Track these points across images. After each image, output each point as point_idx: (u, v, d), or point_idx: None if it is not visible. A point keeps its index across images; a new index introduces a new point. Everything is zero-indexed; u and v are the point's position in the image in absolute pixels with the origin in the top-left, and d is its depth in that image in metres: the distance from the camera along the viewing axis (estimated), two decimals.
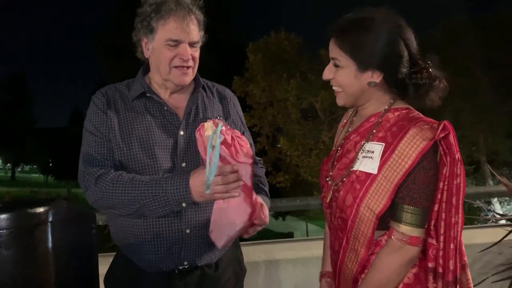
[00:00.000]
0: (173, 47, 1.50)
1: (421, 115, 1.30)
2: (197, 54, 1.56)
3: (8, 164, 55.81)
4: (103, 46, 20.97)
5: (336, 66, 1.33)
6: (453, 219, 1.23)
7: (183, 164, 1.51)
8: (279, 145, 18.29)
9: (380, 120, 1.32)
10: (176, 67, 1.52)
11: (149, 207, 1.40)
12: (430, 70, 1.29)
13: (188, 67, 1.54)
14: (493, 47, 15.12)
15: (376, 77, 1.29)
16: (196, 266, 1.53)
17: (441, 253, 1.25)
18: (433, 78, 1.29)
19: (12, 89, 45.45)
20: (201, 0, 1.58)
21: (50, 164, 47.79)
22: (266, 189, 1.71)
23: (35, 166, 56.60)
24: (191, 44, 1.53)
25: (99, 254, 1.30)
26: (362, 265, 1.29)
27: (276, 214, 26.04)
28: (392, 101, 1.34)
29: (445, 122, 1.21)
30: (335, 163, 1.41)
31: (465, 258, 1.30)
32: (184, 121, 1.56)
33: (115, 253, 1.67)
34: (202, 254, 1.52)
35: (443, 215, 1.24)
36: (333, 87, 1.38)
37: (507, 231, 2.44)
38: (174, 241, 1.48)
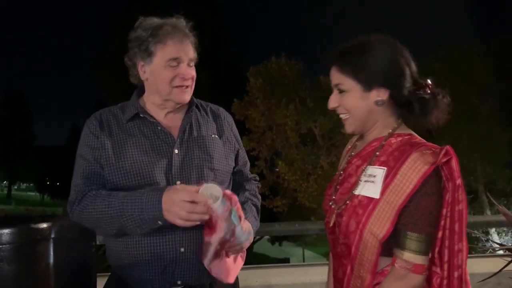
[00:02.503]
0: (173, 67, 1.54)
1: (423, 140, 1.30)
2: (194, 73, 1.60)
3: (5, 182, 55.43)
4: (102, 66, 21.16)
5: (341, 92, 1.34)
6: (456, 246, 1.21)
7: (178, 182, 1.52)
8: (277, 169, 18.24)
9: (384, 143, 1.33)
10: (176, 86, 1.55)
11: (127, 226, 1.40)
12: (431, 85, 1.31)
13: (187, 86, 1.58)
14: (493, 75, 15.24)
15: (383, 94, 1.30)
16: (190, 286, 1.51)
17: (445, 282, 1.23)
18: (437, 93, 1.31)
19: (10, 107, 45.57)
20: (192, 23, 1.63)
21: (47, 183, 47.49)
22: (257, 201, 1.72)
23: (31, 184, 56.24)
24: (189, 63, 1.58)
25: (98, 274, 1.30)
26: None
27: (273, 239, 25.77)
28: (396, 126, 1.35)
29: (447, 147, 1.21)
30: (338, 187, 1.41)
31: None
32: (179, 140, 1.58)
33: (110, 273, 1.66)
34: (196, 274, 1.51)
35: (447, 243, 1.22)
36: (341, 115, 1.38)
37: (506, 261, 2.43)
38: (169, 260, 1.48)
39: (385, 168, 1.26)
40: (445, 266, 1.23)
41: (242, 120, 18.37)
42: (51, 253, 1.02)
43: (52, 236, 1.02)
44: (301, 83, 18.51)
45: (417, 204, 1.20)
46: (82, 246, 1.21)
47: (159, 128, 1.58)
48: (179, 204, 1.32)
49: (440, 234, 1.23)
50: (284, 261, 23.46)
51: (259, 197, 1.76)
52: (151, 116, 1.59)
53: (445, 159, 1.20)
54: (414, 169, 1.20)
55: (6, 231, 0.94)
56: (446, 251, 1.22)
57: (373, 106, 1.32)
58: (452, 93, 1.36)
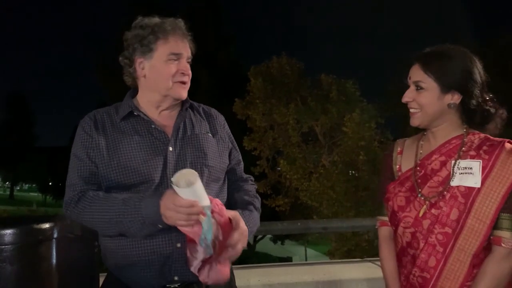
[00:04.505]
0: (175, 61, 1.57)
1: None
2: (190, 71, 1.63)
3: (7, 183, 55.58)
4: (103, 66, 21.19)
5: (418, 88, 1.48)
6: None
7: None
8: (279, 168, 18.24)
9: (465, 140, 1.48)
10: (176, 82, 1.58)
11: (128, 230, 1.42)
12: (495, 100, 1.48)
13: (185, 82, 1.61)
14: (496, 74, 15.17)
15: (456, 99, 1.45)
16: (187, 284, 1.51)
17: None
18: (498, 108, 1.48)
19: (12, 108, 45.69)
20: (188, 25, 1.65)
21: (50, 183, 47.59)
22: (257, 201, 1.71)
23: (34, 185, 56.38)
24: (187, 61, 1.62)
25: (101, 274, 1.30)
26: (468, 274, 1.40)
27: (275, 238, 25.79)
28: (466, 126, 1.50)
29: None
30: (419, 181, 1.52)
31: None
32: (173, 138, 1.59)
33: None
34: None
35: None
36: (411, 109, 1.52)
37: None
38: (166, 256, 1.48)
39: (480, 160, 1.42)
40: None
41: (243, 120, 18.38)
42: (54, 253, 1.02)
43: (55, 236, 1.02)
44: (302, 82, 18.50)
45: None
46: (84, 245, 1.21)
47: (153, 126, 1.59)
48: (173, 208, 1.33)
49: None
50: (287, 260, 23.47)
51: (259, 198, 1.76)
52: (145, 114, 1.61)
53: None
54: None
55: (8, 231, 0.94)
56: None
57: (445, 107, 1.46)
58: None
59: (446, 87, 1.44)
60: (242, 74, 19.66)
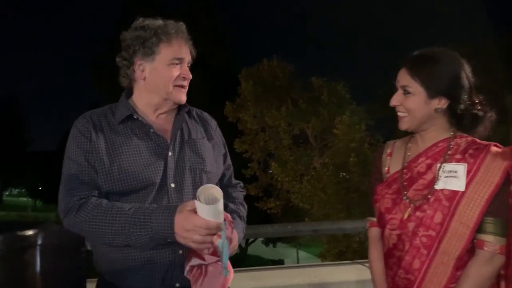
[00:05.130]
0: (177, 65, 1.55)
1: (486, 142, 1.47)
2: (191, 75, 1.62)
3: None
4: (96, 69, 21.04)
5: (406, 93, 1.48)
6: None
7: (172, 185, 1.51)
8: (270, 171, 18.27)
9: (452, 144, 1.48)
10: (176, 85, 1.56)
11: (135, 243, 1.38)
12: (484, 103, 1.47)
13: (184, 86, 1.59)
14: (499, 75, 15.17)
15: (443, 104, 1.45)
16: None
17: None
18: (487, 111, 1.47)
19: (2, 112, 45.18)
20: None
21: (39, 188, 47.09)
22: (243, 210, 1.71)
23: (23, 190, 55.73)
24: (188, 65, 1.60)
25: (88, 280, 1.28)
26: (452, 276, 1.40)
27: (267, 241, 25.78)
28: (454, 129, 1.50)
29: None
30: (405, 183, 1.53)
31: None
32: (172, 143, 1.57)
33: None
34: None
35: None
36: (399, 113, 1.52)
37: None
38: (168, 264, 1.46)
39: (465, 164, 1.42)
40: None
41: (234, 123, 18.39)
42: (38, 260, 0.99)
43: (39, 243, 1.00)
44: (293, 84, 18.57)
45: (501, 194, 1.36)
46: (71, 252, 1.19)
47: (151, 130, 1.56)
48: (193, 229, 1.29)
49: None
50: (279, 262, 23.48)
51: (245, 205, 1.75)
52: (144, 118, 1.58)
53: None
54: (497, 164, 1.38)
55: None
56: None
57: (432, 112, 1.46)
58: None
59: (433, 92, 1.44)
60: (233, 77, 19.66)
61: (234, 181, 1.80)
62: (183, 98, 1.60)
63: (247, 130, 18.50)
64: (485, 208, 1.36)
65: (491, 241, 1.36)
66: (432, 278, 1.42)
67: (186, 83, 1.60)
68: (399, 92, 1.50)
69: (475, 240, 1.39)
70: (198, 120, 1.74)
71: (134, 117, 1.57)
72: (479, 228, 1.37)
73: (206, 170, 1.58)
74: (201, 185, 1.37)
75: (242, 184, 1.84)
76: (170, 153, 1.55)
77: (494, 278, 1.40)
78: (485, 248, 1.36)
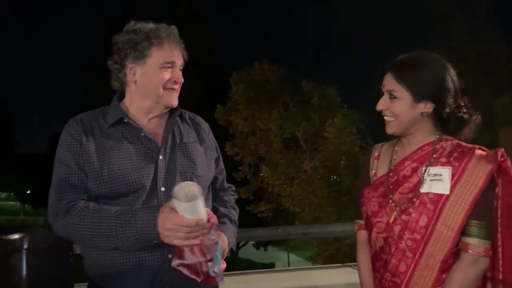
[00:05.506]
0: (168, 69, 1.55)
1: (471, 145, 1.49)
2: (182, 79, 1.61)
3: None
4: (84, 73, 20.88)
5: (392, 97, 1.49)
6: (508, 232, 1.39)
7: (163, 189, 1.51)
8: (261, 174, 18.26)
9: (437, 147, 1.49)
10: (167, 89, 1.56)
11: (121, 245, 1.38)
12: (469, 106, 1.48)
13: (176, 90, 1.59)
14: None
15: (429, 107, 1.46)
16: None
17: (500, 262, 1.40)
18: (473, 114, 1.48)
19: None
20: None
21: (28, 192, 46.58)
22: (235, 214, 1.72)
23: (11, 194, 55.06)
24: (180, 69, 1.59)
25: (76, 284, 1.27)
26: (437, 279, 1.41)
27: (258, 244, 25.74)
28: (440, 132, 1.52)
29: (502, 150, 1.41)
30: (391, 187, 1.54)
31: None
32: (163, 146, 1.57)
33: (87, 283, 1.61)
34: (184, 280, 1.48)
35: (499, 229, 1.40)
36: (385, 117, 1.54)
37: None
38: (157, 268, 1.45)
39: (450, 167, 1.43)
40: (499, 249, 1.41)
41: (225, 126, 18.36)
42: (24, 264, 0.99)
43: (25, 247, 0.99)
44: (283, 88, 18.61)
45: (485, 197, 1.37)
46: (58, 256, 1.18)
47: (142, 134, 1.56)
48: (173, 228, 1.30)
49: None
50: (269, 266, 23.46)
51: (237, 209, 1.76)
52: (135, 122, 1.57)
53: (502, 159, 1.39)
54: (481, 167, 1.38)
55: None
56: (499, 236, 1.40)
57: (418, 116, 1.47)
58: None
59: (418, 97, 1.45)
60: (224, 80, 19.64)
61: (226, 184, 1.79)
62: (174, 101, 1.59)
63: (238, 133, 18.49)
64: (470, 211, 1.37)
65: (476, 244, 1.37)
66: (418, 281, 1.43)
67: (177, 87, 1.59)
68: (385, 96, 1.51)
69: (460, 243, 1.40)
70: (191, 124, 1.73)
71: (125, 120, 1.56)
72: (463, 231, 1.38)
73: (197, 174, 1.57)
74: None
75: (234, 188, 1.84)
76: (161, 157, 1.54)
77: (480, 281, 1.42)
78: (469, 251, 1.37)
